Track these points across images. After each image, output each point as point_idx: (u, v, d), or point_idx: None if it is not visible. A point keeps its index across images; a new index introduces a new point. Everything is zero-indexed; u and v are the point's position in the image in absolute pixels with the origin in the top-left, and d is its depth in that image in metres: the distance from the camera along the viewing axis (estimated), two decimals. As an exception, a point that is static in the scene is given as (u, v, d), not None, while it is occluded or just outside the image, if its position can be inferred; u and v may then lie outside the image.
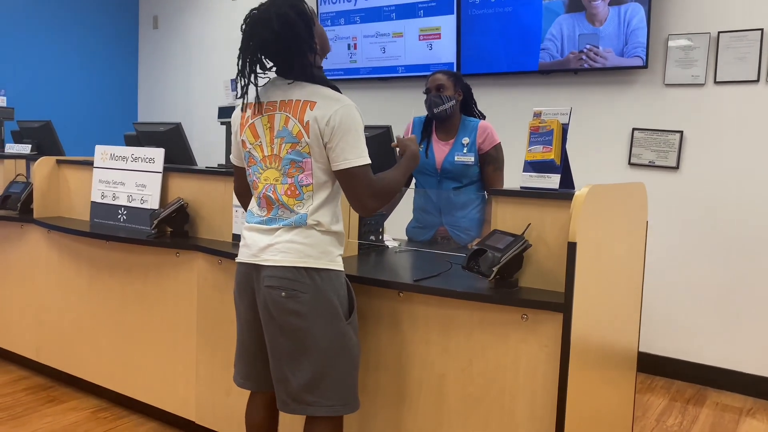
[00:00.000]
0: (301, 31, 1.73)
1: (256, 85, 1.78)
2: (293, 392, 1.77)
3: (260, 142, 1.79)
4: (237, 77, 1.80)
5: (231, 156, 1.97)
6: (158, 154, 2.79)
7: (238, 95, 1.81)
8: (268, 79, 1.83)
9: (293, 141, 1.73)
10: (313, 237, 1.75)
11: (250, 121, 1.81)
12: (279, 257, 1.74)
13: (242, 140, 1.84)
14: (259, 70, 1.79)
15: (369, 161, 1.74)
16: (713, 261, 3.43)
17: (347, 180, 1.73)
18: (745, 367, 3.35)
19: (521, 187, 1.88)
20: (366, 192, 1.73)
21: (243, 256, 1.84)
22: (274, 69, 1.82)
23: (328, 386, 1.76)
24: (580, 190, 1.67)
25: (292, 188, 1.75)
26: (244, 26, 1.77)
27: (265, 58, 1.78)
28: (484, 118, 2.86)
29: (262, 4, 1.77)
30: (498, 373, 1.80)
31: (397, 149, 2.05)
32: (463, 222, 2.77)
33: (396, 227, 3.01)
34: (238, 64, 1.79)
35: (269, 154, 1.78)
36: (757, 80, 3.28)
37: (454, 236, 2.78)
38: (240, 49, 1.78)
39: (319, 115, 1.70)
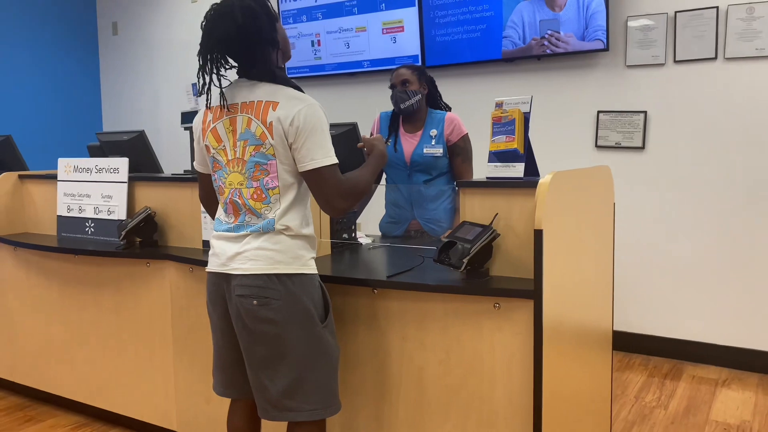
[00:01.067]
0: (264, 24, 1.70)
1: (219, 86, 1.73)
2: (273, 399, 1.75)
3: (223, 146, 1.76)
4: (198, 75, 1.74)
5: (194, 162, 1.94)
6: (122, 163, 2.74)
7: (199, 94, 1.76)
8: (228, 81, 1.78)
9: (257, 143, 1.70)
10: (283, 242, 1.72)
11: (212, 125, 1.78)
12: (248, 265, 1.71)
13: (205, 145, 1.81)
14: (222, 72, 1.74)
15: (336, 161, 1.71)
16: (683, 238, 3.49)
17: (315, 180, 1.70)
18: (718, 339, 3.42)
19: (487, 178, 1.89)
20: (334, 192, 1.70)
21: (212, 265, 1.81)
22: (236, 70, 1.78)
23: (307, 391, 1.75)
24: (544, 178, 1.68)
25: (258, 192, 1.72)
26: (204, 21, 1.72)
27: (226, 56, 1.74)
28: (449, 110, 2.88)
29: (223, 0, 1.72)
30: (475, 363, 1.82)
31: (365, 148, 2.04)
32: (434, 214, 2.78)
33: (370, 223, 3.01)
34: (199, 61, 1.74)
35: (233, 157, 1.74)
36: (715, 57, 3.34)
37: (427, 229, 2.79)
38: (200, 44, 1.73)
39: (282, 116, 1.67)
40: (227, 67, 1.75)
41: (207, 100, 1.76)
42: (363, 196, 1.82)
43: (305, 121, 1.67)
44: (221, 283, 1.78)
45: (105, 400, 2.77)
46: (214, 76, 1.72)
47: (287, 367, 1.73)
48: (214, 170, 1.81)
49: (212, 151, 1.79)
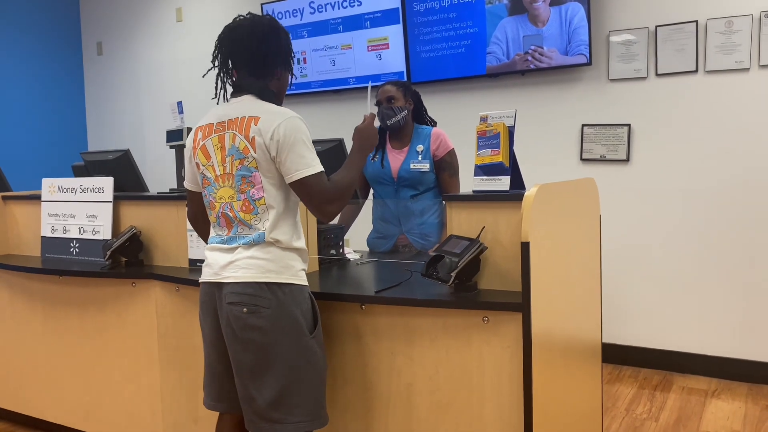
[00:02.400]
0: (284, 43, 1.86)
1: (223, 96, 1.87)
2: (259, 410, 1.75)
3: (212, 162, 1.81)
4: (217, 78, 1.87)
5: (185, 181, 1.96)
6: (107, 183, 2.72)
7: (216, 98, 1.89)
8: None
9: (241, 157, 1.75)
10: (274, 253, 1.76)
11: (201, 143, 1.84)
12: (240, 273, 1.74)
13: (196, 163, 1.86)
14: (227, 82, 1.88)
15: (321, 168, 1.75)
16: (669, 249, 3.51)
17: (302, 190, 1.75)
18: (708, 350, 3.43)
19: (473, 191, 1.89)
20: (323, 199, 1.75)
21: (205, 275, 1.84)
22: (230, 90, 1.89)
23: (294, 402, 1.74)
24: (529, 191, 1.69)
25: (246, 204, 1.77)
26: (225, 32, 1.85)
27: (232, 69, 1.85)
28: (435, 124, 2.89)
29: (248, 16, 1.87)
30: (464, 378, 1.80)
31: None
32: (422, 229, 2.79)
33: (358, 239, 3.01)
34: (214, 63, 1.87)
35: (221, 173, 1.79)
36: (696, 70, 3.39)
37: (414, 243, 2.79)
38: (219, 51, 1.86)
39: (263, 129, 1.72)
40: (233, 79, 1.87)
41: (218, 98, 1.91)
42: (351, 195, 1.86)
43: (284, 134, 1.72)
44: (213, 292, 1.80)
45: (92, 423, 2.72)
46: (223, 84, 1.88)
47: (274, 376, 1.73)
48: (204, 186, 1.85)
49: (201, 167, 1.84)
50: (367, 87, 2.24)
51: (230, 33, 1.84)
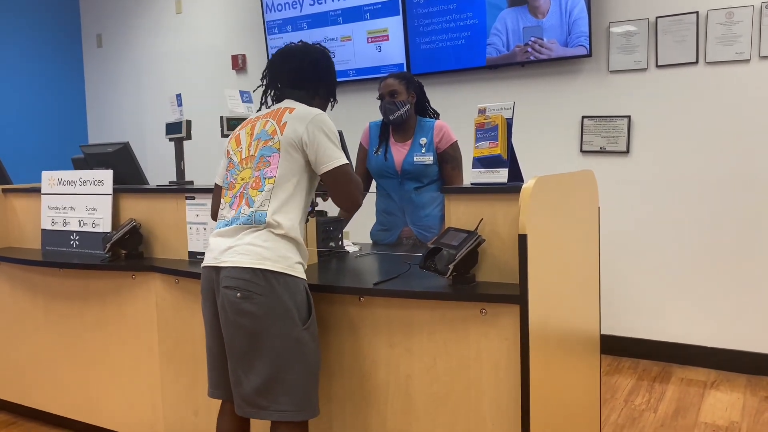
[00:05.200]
0: (333, 76, 2.03)
1: (268, 103, 2.01)
2: (245, 395, 1.78)
3: (240, 147, 1.91)
4: (265, 93, 2.03)
5: (216, 176, 2.05)
6: (107, 175, 2.73)
7: (259, 110, 2.02)
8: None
9: (267, 138, 1.85)
10: (272, 241, 1.79)
11: (237, 133, 1.95)
12: (237, 258, 1.77)
13: (227, 149, 1.96)
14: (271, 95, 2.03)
15: (349, 161, 1.89)
16: (669, 240, 3.52)
17: (338, 178, 1.84)
18: (706, 341, 3.44)
19: (471, 184, 1.89)
20: (354, 187, 1.87)
21: (207, 260, 1.88)
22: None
23: (281, 391, 1.76)
24: (527, 183, 1.69)
25: (257, 180, 1.83)
26: (279, 53, 2.01)
27: (279, 86, 1.99)
28: (438, 116, 2.88)
29: (300, 43, 2.04)
30: (462, 370, 1.81)
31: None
32: (426, 221, 2.78)
33: (358, 231, 3.01)
34: (263, 81, 2.03)
35: (246, 155, 1.88)
36: (696, 62, 3.38)
37: (419, 236, 2.78)
38: (271, 71, 2.01)
39: (296, 117, 1.84)
40: (278, 93, 2.01)
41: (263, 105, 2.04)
42: None
43: (319, 126, 1.83)
44: (212, 276, 1.84)
45: (91, 414, 2.74)
46: (269, 98, 2.02)
47: (262, 363, 1.75)
48: (228, 169, 1.94)
49: (231, 153, 1.94)
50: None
51: (282, 56, 1.99)
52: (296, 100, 1.94)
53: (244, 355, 1.77)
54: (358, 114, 3.96)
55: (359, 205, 1.93)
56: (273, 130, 1.84)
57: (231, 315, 1.76)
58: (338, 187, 1.86)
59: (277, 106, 1.94)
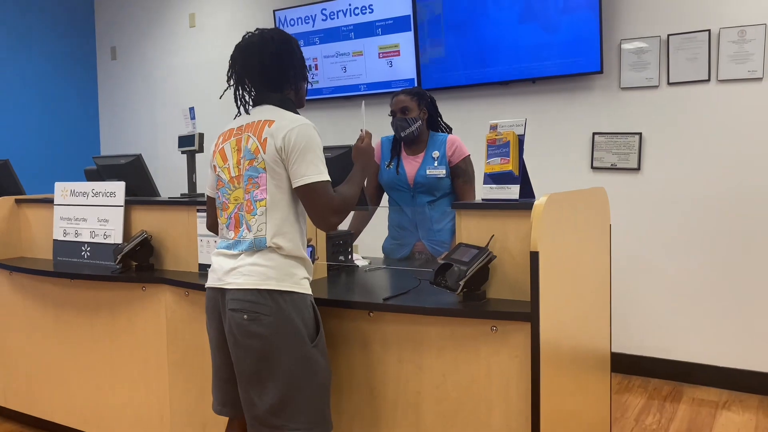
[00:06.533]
0: (297, 55, 1.88)
1: (245, 108, 1.88)
2: (259, 416, 1.76)
3: (227, 164, 1.85)
4: (236, 94, 1.88)
5: (207, 188, 2.00)
6: (119, 187, 2.75)
7: (238, 115, 1.90)
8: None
9: (251, 157, 1.79)
10: (275, 260, 1.77)
11: (221, 147, 1.89)
12: (242, 280, 1.76)
13: (213, 165, 1.91)
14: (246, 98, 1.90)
15: (328, 178, 1.77)
16: (680, 258, 3.49)
17: (308, 196, 1.76)
18: (718, 361, 3.40)
19: (482, 200, 1.89)
20: (326, 207, 1.77)
21: (210, 281, 1.87)
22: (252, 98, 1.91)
23: (294, 409, 1.75)
24: (539, 200, 1.68)
25: (249, 204, 1.80)
26: (238, 49, 1.87)
27: (248, 83, 1.87)
28: (450, 131, 2.89)
29: (257, 32, 1.88)
30: (472, 387, 1.80)
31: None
32: (440, 235, 2.77)
33: (369, 245, 3.01)
34: (229, 83, 1.89)
35: (236, 174, 1.83)
36: (708, 79, 3.37)
37: (431, 250, 2.77)
38: (233, 69, 1.88)
39: (275, 132, 1.76)
40: (252, 94, 1.89)
41: (240, 111, 1.91)
42: (351, 210, 1.90)
43: (297, 139, 1.75)
44: (217, 297, 1.83)
45: (100, 426, 2.74)
46: (242, 100, 1.89)
47: (274, 383, 1.74)
48: (218, 188, 1.89)
49: (218, 170, 1.89)
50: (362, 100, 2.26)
51: (242, 52, 1.87)
52: (274, 104, 1.85)
53: (255, 376, 1.75)
54: (368, 128, 3.98)
55: (331, 227, 1.81)
56: (255, 148, 1.77)
57: (239, 337, 1.75)
58: (306, 204, 1.78)
59: (256, 115, 1.84)
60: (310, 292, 1.82)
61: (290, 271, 1.78)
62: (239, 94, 1.89)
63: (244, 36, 1.89)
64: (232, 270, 1.78)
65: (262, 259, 1.76)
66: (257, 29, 1.90)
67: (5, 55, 5.32)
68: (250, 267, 1.76)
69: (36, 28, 5.51)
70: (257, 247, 1.77)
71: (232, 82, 1.90)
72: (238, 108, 1.89)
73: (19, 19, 5.39)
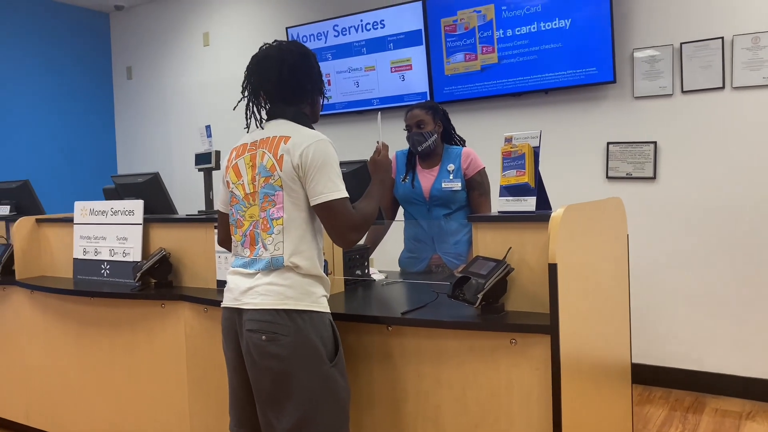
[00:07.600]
0: (314, 68, 1.86)
1: (258, 122, 1.85)
2: None
3: (242, 181, 1.82)
4: (248, 109, 1.86)
5: (218, 202, 1.99)
6: (137, 205, 2.78)
7: (248, 128, 1.88)
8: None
9: (267, 175, 1.76)
10: (293, 279, 1.74)
11: (234, 162, 1.86)
12: (259, 300, 1.73)
13: (227, 181, 1.89)
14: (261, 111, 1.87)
15: (346, 195, 1.75)
16: (699, 267, 3.46)
17: (326, 213, 1.74)
18: (741, 371, 3.35)
19: (499, 212, 1.89)
20: (345, 225, 1.74)
21: (226, 300, 1.84)
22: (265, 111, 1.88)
23: (314, 430, 1.73)
24: (556, 211, 1.68)
25: (265, 222, 1.77)
26: (255, 60, 1.85)
27: (263, 96, 1.85)
28: (464, 143, 2.90)
29: (275, 44, 1.85)
30: (492, 400, 1.79)
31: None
32: (456, 248, 2.77)
33: (385, 259, 3.01)
34: (244, 94, 1.86)
35: (251, 191, 1.80)
36: (723, 87, 3.36)
37: (448, 263, 2.77)
38: (248, 82, 1.85)
39: (292, 148, 1.73)
40: (266, 107, 1.86)
41: (251, 125, 1.89)
42: (370, 225, 1.85)
43: (314, 156, 1.72)
44: (234, 317, 1.80)
45: (120, 443, 2.75)
46: (256, 113, 1.87)
47: (293, 405, 1.72)
48: (232, 204, 1.87)
49: (231, 186, 1.86)
50: (377, 114, 2.25)
51: (259, 64, 1.84)
52: (289, 118, 1.82)
53: (273, 397, 1.73)
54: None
55: (351, 244, 1.78)
56: (271, 165, 1.74)
57: (257, 358, 1.72)
58: (325, 222, 1.75)
59: (271, 129, 1.81)
60: (328, 310, 1.80)
61: (308, 289, 1.75)
62: (252, 107, 1.86)
63: (261, 47, 1.86)
64: (248, 290, 1.76)
65: (279, 278, 1.74)
66: (275, 41, 1.87)
67: (23, 77, 5.42)
68: (267, 287, 1.73)
69: (53, 49, 5.61)
70: (274, 266, 1.74)
71: (246, 94, 1.87)
72: (248, 120, 1.86)
73: (35, 40, 5.49)
